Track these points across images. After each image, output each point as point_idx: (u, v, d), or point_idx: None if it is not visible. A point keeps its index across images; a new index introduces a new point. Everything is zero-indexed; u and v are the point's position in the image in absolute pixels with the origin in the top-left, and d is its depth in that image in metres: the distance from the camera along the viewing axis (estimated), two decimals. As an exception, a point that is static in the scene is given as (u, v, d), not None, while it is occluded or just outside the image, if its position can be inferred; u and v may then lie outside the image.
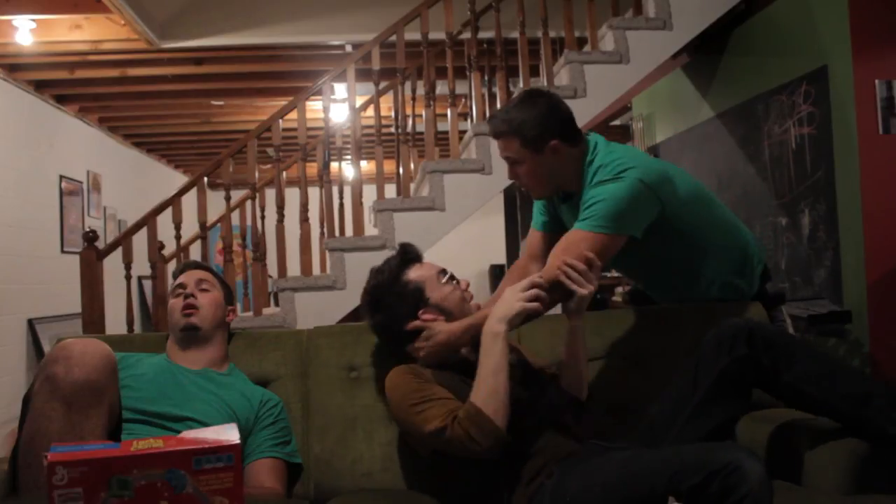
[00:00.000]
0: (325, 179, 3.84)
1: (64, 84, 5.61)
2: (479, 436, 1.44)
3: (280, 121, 3.76)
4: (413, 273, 1.72)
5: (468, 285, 1.78)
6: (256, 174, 3.96)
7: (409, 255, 1.75)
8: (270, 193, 3.86)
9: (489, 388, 1.48)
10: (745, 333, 1.51)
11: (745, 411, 1.63)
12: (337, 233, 4.09)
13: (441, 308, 1.68)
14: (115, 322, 3.83)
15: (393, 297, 1.70)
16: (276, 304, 3.94)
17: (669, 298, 2.09)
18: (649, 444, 1.51)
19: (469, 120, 4.21)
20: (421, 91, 3.98)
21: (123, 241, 3.69)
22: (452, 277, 1.75)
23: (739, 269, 2.02)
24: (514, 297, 1.56)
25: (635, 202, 1.78)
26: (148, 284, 5.09)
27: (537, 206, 2.14)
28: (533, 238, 2.14)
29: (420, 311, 1.68)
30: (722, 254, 2.00)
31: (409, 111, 4.30)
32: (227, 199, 3.94)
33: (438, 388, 1.57)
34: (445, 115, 4.21)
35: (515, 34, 3.87)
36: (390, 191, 3.84)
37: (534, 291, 1.57)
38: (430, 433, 1.48)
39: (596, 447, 1.54)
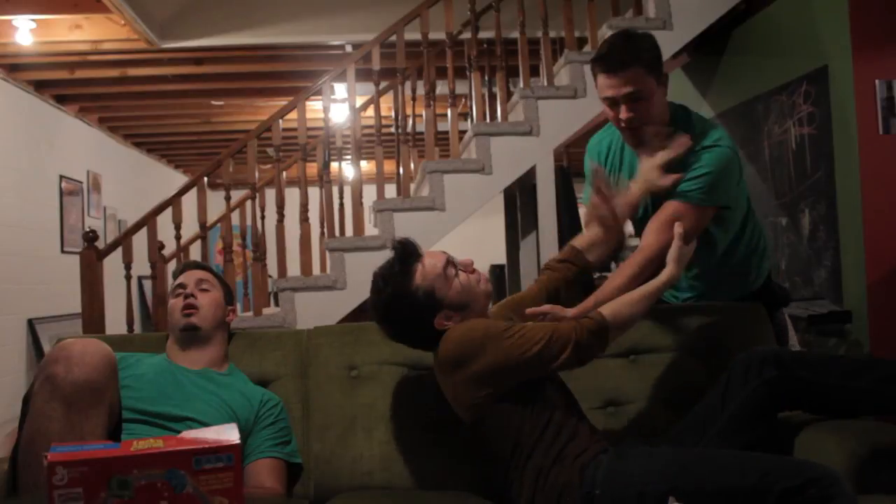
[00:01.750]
0: (325, 179, 3.84)
1: (64, 84, 5.61)
2: (598, 343, 1.51)
3: (280, 121, 3.76)
4: (419, 276, 1.61)
5: (472, 263, 1.69)
6: (256, 174, 3.96)
7: (407, 256, 1.64)
8: (270, 193, 3.86)
9: (630, 310, 1.56)
10: (773, 357, 1.55)
11: (770, 435, 1.63)
12: (337, 233, 4.09)
13: (456, 305, 1.61)
14: (115, 322, 3.83)
15: (405, 309, 1.61)
16: (276, 304, 3.94)
17: (692, 280, 2.04)
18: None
19: (469, 120, 4.21)
20: (421, 91, 3.98)
21: (123, 241, 3.69)
22: (458, 268, 1.66)
23: (760, 257, 2.03)
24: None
25: (731, 172, 1.80)
26: (148, 284, 5.08)
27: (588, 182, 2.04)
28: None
29: (435, 320, 1.60)
30: (751, 238, 1.99)
31: (409, 111, 4.30)
32: (227, 199, 3.94)
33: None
34: (445, 115, 4.21)
35: (515, 34, 3.87)
36: (390, 191, 3.84)
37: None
38: (545, 343, 1.48)
39: (636, 442, 1.55)
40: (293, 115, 3.80)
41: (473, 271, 1.67)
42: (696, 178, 1.75)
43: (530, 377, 1.52)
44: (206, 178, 3.83)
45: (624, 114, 1.79)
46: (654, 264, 1.70)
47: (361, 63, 3.81)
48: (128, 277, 3.71)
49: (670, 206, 1.75)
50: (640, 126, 1.81)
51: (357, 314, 3.61)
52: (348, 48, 4.84)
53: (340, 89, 5.28)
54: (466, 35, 3.98)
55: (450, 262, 1.65)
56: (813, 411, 1.64)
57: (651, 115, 1.79)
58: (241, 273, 4.78)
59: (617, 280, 1.72)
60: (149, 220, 3.72)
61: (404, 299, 1.60)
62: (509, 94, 4.05)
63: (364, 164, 8.28)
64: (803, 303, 3.05)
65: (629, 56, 1.75)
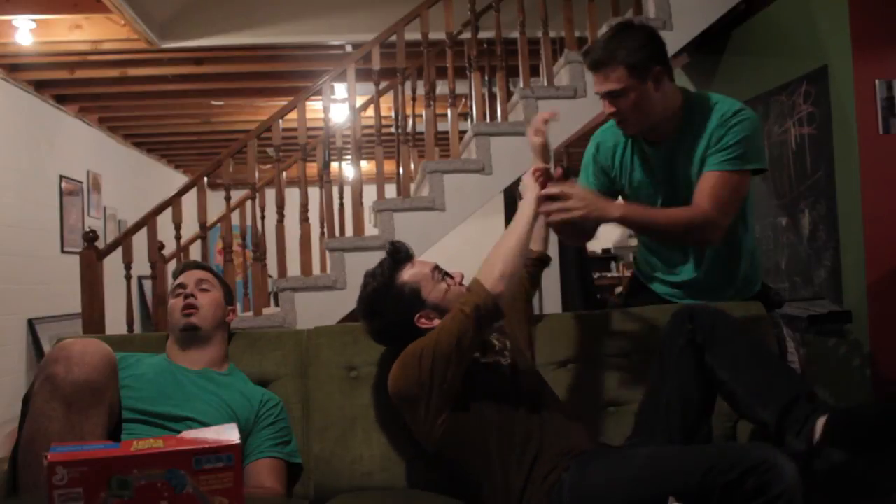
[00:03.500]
0: (325, 179, 3.84)
1: (64, 84, 5.61)
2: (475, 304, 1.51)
3: (280, 121, 3.76)
4: (407, 274, 1.68)
5: (462, 277, 1.74)
6: (256, 174, 3.96)
7: (400, 255, 1.72)
8: (270, 193, 3.86)
9: (503, 261, 1.56)
10: (688, 311, 1.57)
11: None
12: (337, 233, 4.09)
13: (438, 307, 1.65)
14: (115, 322, 3.83)
15: (390, 302, 1.67)
16: (276, 304, 3.94)
17: (692, 278, 2.03)
18: (646, 442, 1.52)
19: (469, 120, 4.21)
20: (421, 91, 3.98)
21: (123, 241, 3.69)
22: (446, 273, 1.72)
23: (754, 271, 2.03)
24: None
25: (760, 135, 1.82)
26: (148, 284, 5.08)
27: (591, 173, 2.04)
28: None
29: (416, 316, 1.65)
30: (749, 255, 2.00)
31: (409, 111, 4.30)
32: (227, 199, 3.94)
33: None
34: (445, 115, 4.21)
35: (515, 34, 3.87)
36: (390, 191, 3.83)
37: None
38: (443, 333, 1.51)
39: (607, 447, 1.54)
40: (293, 115, 3.80)
41: (461, 284, 1.71)
42: (733, 146, 1.76)
43: (456, 372, 1.52)
44: (206, 178, 3.83)
45: (606, 108, 1.84)
46: (705, 226, 1.74)
47: (361, 63, 3.81)
48: (128, 277, 3.71)
49: (712, 177, 1.76)
50: (627, 120, 1.84)
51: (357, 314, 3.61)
52: (348, 48, 4.84)
53: (340, 89, 5.28)
54: (466, 35, 3.98)
55: (438, 268, 1.71)
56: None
57: (639, 110, 1.81)
58: (241, 273, 4.78)
59: (660, 216, 1.79)
60: (149, 220, 3.72)
61: (390, 291, 1.66)
62: (509, 94, 4.05)
63: (364, 164, 8.28)
64: (803, 303, 3.05)
65: (608, 55, 1.77)
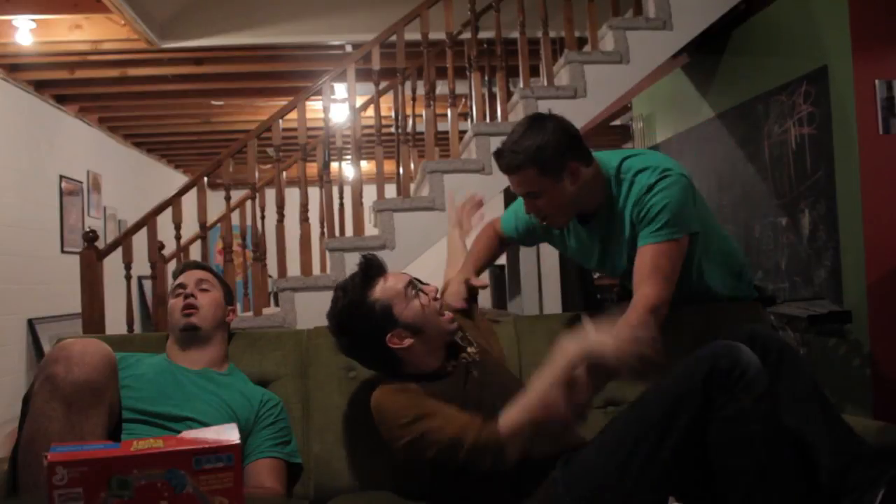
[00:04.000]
0: (325, 179, 3.84)
1: (64, 84, 5.61)
2: (490, 461, 1.40)
3: (280, 121, 3.76)
4: (379, 290, 1.60)
5: (437, 291, 1.68)
6: (256, 174, 3.96)
7: (371, 269, 1.62)
8: (270, 193, 3.86)
9: (524, 424, 1.39)
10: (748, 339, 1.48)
11: None
12: (337, 233, 4.09)
13: (410, 326, 1.58)
14: (115, 322, 3.83)
15: (359, 320, 1.59)
16: (276, 304, 3.94)
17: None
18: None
19: (469, 120, 4.21)
20: (421, 91, 3.98)
21: (123, 241, 3.69)
22: (420, 289, 1.64)
23: (738, 274, 2.02)
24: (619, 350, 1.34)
25: (689, 198, 1.75)
26: (148, 284, 5.08)
27: (514, 221, 2.04)
28: (494, 230, 2.14)
29: (388, 336, 1.58)
30: (724, 260, 1.97)
31: (409, 111, 4.30)
32: (227, 199, 3.94)
33: (431, 402, 1.51)
34: (445, 115, 4.21)
35: (515, 34, 3.87)
36: (390, 191, 3.83)
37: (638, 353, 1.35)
38: (440, 447, 1.43)
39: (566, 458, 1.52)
40: (293, 115, 3.80)
41: (435, 299, 1.65)
42: (657, 216, 1.71)
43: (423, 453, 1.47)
44: (206, 178, 3.83)
45: (526, 209, 1.84)
46: (661, 312, 1.67)
47: (361, 63, 3.81)
48: (128, 277, 3.71)
49: (648, 251, 1.71)
50: (551, 216, 1.82)
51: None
52: (348, 48, 4.84)
53: (340, 89, 5.28)
54: (466, 35, 3.98)
55: (412, 283, 1.64)
56: None
57: (558, 207, 1.79)
58: (241, 273, 4.78)
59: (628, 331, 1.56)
60: (149, 220, 3.71)
61: (360, 308, 1.59)
62: (509, 94, 4.05)
63: (364, 164, 8.29)
64: (803, 303, 3.05)
65: (519, 158, 1.71)
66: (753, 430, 1.30)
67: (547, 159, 1.70)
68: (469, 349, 1.71)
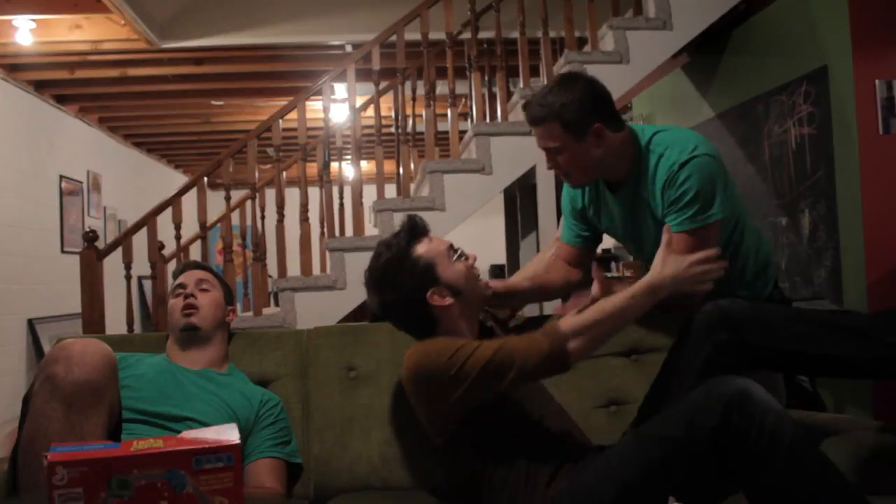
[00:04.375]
0: (325, 179, 3.84)
1: (64, 84, 5.61)
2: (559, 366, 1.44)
3: (280, 121, 3.76)
4: (422, 248, 1.62)
5: (475, 260, 1.70)
6: (256, 174, 3.96)
7: (416, 228, 1.65)
8: (270, 193, 3.86)
9: (595, 330, 1.46)
10: (722, 318, 1.50)
11: None
12: (337, 233, 4.09)
13: (451, 286, 1.59)
14: (115, 322, 3.83)
15: (402, 274, 1.60)
16: (276, 304, 3.94)
17: None
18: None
19: (469, 120, 4.21)
20: (421, 91, 3.98)
21: (123, 241, 3.69)
22: (462, 254, 1.66)
23: (762, 269, 2.00)
24: (688, 272, 1.50)
25: (720, 181, 1.73)
26: (148, 284, 5.08)
27: (569, 216, 2.01)
28: (568, 253, 2.01)
29: (429, 292, 1.58)
30: (752, 254, 1.94)
31: (409, 111, 4.30)
32: (227, 199, 3.94)
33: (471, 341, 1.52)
34: (445, 115, 4.21)
35: (515, 34, 3.87)
36: (390, 191, 3.83)
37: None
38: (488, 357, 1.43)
39: (601, 448, 1.52)
40: (293, 115, 3.80)
41: (473, 265, 1.67)
42: (687, 205, 1.70)
43: (485, 397, 1.47)
44: (206, 178, 3.83)
45: (547, 164, 1.82)
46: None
47: (361, 63, 3.81)
48: (128, 277, 3.71)
49: (679, 240, 1.67)
50: (569, 175, 1.82)
51: (357, 314, 3.61)
52: (348, 48, 4.85)
53: (340, 89, 5.29)
54: (466, 35, 3.98)
55: (453, 247, 1.66)
56: (772, 370, 1.60)
57: (578, 167, 1.78)
58: (241, 273, 4.78)
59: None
60: (149, 220, 3.71)
61: (404, 263, 1.60)
62: (509, 94, 4.05)
63: (364, 164, 8.29)
64: (803, 303, 3.05)
65: (544, 111, 1.72)
66: (799, 482, 1.22)
67: (571, 116, 1.71)
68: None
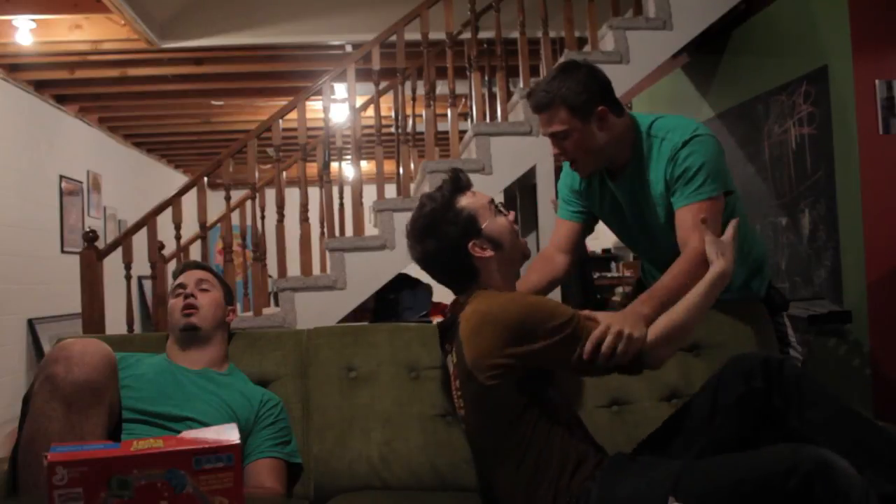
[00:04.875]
0: (325, 179, 3.84)
1: (64, 84, 5.61)
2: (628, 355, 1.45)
3: (280, 121, 3.76)
4: (465, 201, 1.64)
5: (514, 216, 1.72)
6: (256, 174, 3.96)
7: (459, 182, 1.68)
8: (270, 193, 3.86)
9: (679, 337, 1.52)
10: (761, 366, 1.49)
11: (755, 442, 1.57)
12: (337, 233, 4.09)
13: (492, 239, 1.62)
14: (115, 322, 3.83)
15: (445, 224, 1.62)
16: (276, 304, 3.94)
17: None
18: (671, 454, 1.50)
19: (469, 120, 4.21)
20: (421, 91, 3.98)
21: (123, 241, 3.69)
22: (501, 209, 1.69)
23: (757, 269, 2.01)
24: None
25: (722, 157, 1.78)
26: (148, 284, 5.09)
27: (565, 196, 2.04)
28: (562, 229, 2.05)
29: (471, 243, 1.61)
30: (748, 250, 1.96)
31: (409, 111, 4.30)
32: (227, 199, 3.94)
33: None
34: (445, 115, 4.21)
35: (515, 34, 3.87)
36: (390, 191, 3.83)
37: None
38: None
39: (622, 457, 1.50)
40: (293, 115, 3.80)
41: (515, 223, 1.71)
42: (693, 178, 1.74)
43: (559, 362, 1.49)
44: (206, 178, 3.83)
45: (552, 149, 1.84)
46: (704, 264, 1.67)
47: (361, 63, 3.81)
48: (128, 277, 3.71)
49: (691, 210, 1.73)
50: (577, 162, 1.85)
51: (357, 314, 3.61)
52: (348, 48, 4.85)
53: (340, 89, 5.29)
54: (466, 35, 3.98)
55: (493, 202, 1.69)
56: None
57: (585, 151, 1.80)
58: (241, 273, 4.78)
59: (667, 280, 1.69)
60: (149, 220, 3.71)
61: (447, 213, 1.62)
62: (509, 94, 4.05)
63: (364, 164, 8.30)
64: (803, 303, 3.05)
65: (549, 97, 1.76)
66: None
67: (576, 99, 1.75)
68: None
